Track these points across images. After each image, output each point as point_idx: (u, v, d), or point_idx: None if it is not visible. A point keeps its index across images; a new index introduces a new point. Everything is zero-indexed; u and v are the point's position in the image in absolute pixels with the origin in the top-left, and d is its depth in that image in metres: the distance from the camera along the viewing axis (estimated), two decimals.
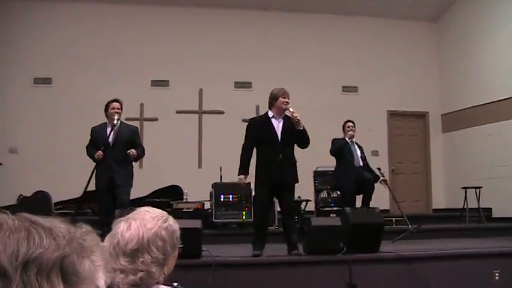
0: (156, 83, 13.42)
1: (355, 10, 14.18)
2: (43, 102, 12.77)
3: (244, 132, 7.77)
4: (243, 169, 7.55)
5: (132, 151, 7.96)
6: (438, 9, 14.58)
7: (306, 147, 7.61)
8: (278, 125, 7.50)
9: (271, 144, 7.38)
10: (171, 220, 2.09)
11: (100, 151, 7.90)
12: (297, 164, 7.63)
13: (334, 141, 10.30)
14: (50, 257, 1.00)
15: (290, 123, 7.41)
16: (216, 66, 13.52)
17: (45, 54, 12.90)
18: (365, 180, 9.80)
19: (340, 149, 10.12)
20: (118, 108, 8.13)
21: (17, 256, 0.97)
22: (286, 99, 7.50)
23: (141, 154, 8.28)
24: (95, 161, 7.97)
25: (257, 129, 7.59)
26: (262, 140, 7.51)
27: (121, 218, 2.02)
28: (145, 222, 1.99)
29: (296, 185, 7.55)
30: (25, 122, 12.65)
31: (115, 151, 7.96)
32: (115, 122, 7.96)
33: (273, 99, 7.61)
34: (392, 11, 14.28)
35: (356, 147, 10.31)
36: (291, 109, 7.36)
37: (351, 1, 13.96)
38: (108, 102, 8.31)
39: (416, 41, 14.70)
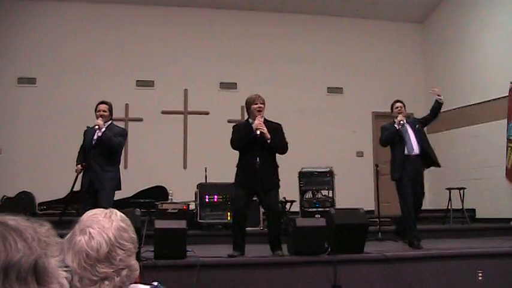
0: (141, 83, 13.39)
1: (341, 11, 14.22)
2: (27, 102, 12.70)
3: (230, 133, 7.73)
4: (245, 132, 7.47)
5: (100, 122, 7.72)
6: (424, 11, 14.66)
7: (285, 153, 7.60)
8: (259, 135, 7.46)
9: (249, 148, 7.38)
10: (117, 211, 2.09)
11: (79, 166, 7.78)
12: (280, 165, 7.61)
13: (383, 129, 8.92)
14: (26, 261, 1.00)
15: (269, 128, 7.39)
16: (201, 66, 13.51)
17: (30, 54, 12.84)
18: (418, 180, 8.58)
19: (391, 138, 8.65)
20: (104, 111, 7.88)
21: None
22: (258, 105, 7.46)
23: (112, 139, 7.74)
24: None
25: (240, 132, 7.59)
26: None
27: (71, 233, 1.99)
28: (102, 224, 1.98)
29: (281, 185, 7.53)
30: (9, 122, 12.56)
31: (96, 153, 7.75)
32: (96, 127, 7.74)
33: (248, 107, 7.63)
34: (378, 13, 14.33)
35: (410, 130, 8.67)
36: (256, 122, 7.33)
37: (337, 2, 14.00)
38: (97, 105, 8.05)
39: (402, 42, 14.77)
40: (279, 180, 7.59)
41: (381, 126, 9.08)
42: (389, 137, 8.67)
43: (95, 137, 7.79)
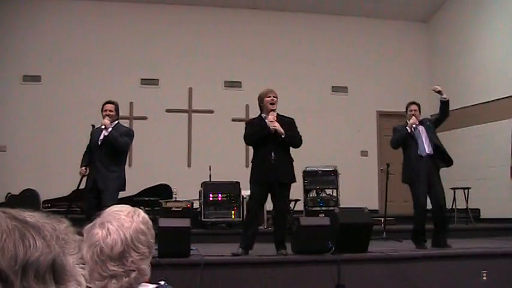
0: (145, 82, 13.39)
1: (346, 10, 14.21)
2: (32, 100, 12.71)
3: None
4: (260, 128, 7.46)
5: (106, 122, 7.73)
6: (428, 10, 14.62)
7: (299, 146, 7.62)
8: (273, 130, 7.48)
9: (264, 143, 7.41)
10: (142, 212, 2.08)
11: (83, 168, 7.80)
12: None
13: (395, 130, 8.81)
14: (44, 259, 0.99)
15: (282, 122, 7.44)
16: (206, 65, 13.50)
17: (35, 52, 12.85)
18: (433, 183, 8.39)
19: (402, 140, 8.53)
20: (110, 111, 7.87)
21: (16, 260, 0.97)
22: (271, 97, 7.50)
23: (118, 139, 7.74)
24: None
25: (253, 128, 7.61)
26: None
27: (92, 225, 1.99)
28: (122, 222, 1.97)
29: None
30: (14, 120, 12.58)
31: (102, 153, 7.74)
32: (102, 126, 7.75)
33: (260, 102, 7.66)
34: (383, 12, 14.31)
35: (422, 130, 8.53)
36: (270, 118, 7.36)
37: (342, 1, 13.99)
38: (103, 104, 8.03)
39: (407, 41, 14.74)
40: (294, 175, 7.63)
41: (393, 127, 8.95)
42: (400, 139, 8.57)
43: (101, 136, 7.79)
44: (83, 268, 1.11)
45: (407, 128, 8.44)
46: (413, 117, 8.50)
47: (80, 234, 1.98)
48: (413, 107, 8.67)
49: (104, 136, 7.77)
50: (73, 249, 1.08)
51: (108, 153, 7.74)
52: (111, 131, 7.76)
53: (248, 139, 7.62)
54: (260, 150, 7.48)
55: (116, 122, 8.00)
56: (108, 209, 2.05)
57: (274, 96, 7.54)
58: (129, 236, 1.96)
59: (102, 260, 1.92)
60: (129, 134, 8.11)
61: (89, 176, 7.79)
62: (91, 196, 7.69)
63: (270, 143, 7.36)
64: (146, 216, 2.08)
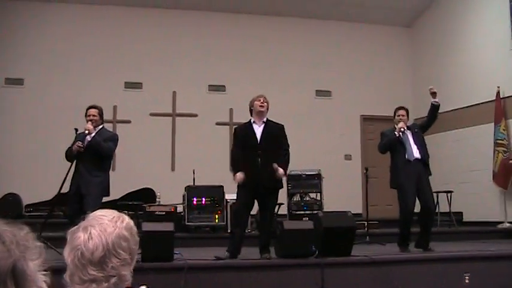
0: (129, 85, 13.35)
1: (330, 14, 14.25)
2: (14, 103, 12.62)
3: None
4: (236, 168, 7.55)
5: (89, 127, 7.64)
6: (412, 15, 14.72)
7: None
8: (258, 129, 7.58)
9: (251, 148, 7.46)
10: (126, 218, 2.07)
11: (79, 142, 7.62)
12: None
13: (382, 135, 8.78)
14: (5, 264, 0.99)
15: (271, 128, 7.54)
16: (190, 69, 13.50)
17: (17, 55, 12.76)
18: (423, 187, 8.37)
19: (389, 144, 8.52)
20: (94, 115, 7.80)
21: None
22: (261, 102, 7.63)
23: (102, 144, 7.67)
24: (72, 158, 7.70)
25: (241, 135, 7.69)
26: (245, 144, 7.58)
27: (76, 228, 1.98)
28: (104, 227, 1.97)
29: None
30: None
31: (85, 158, 7.63)
32: (86, 131, 7.65)
33: (251, 106, 7.76)
34: (367, 16, 14.38)
35: (410, 135, 8.55)
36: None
37: (325, 5, 14.03)
38: (87, 109, 7.94)
39: (390, 46, 14.82)
40: (282, 182, 7.68)
41: (380, 132, 8.90)
42: (387, 143, 8.55)
43: (85, 142, 7.69)
44: (44, 275, 1.11)
45: (396, 132, 8.43)
46: (401, 122, 8.53)
47: (64, 237, 1.98)
48: (402, 112, 8.72)
49: (87, 141, 7.68)
50: (34, 255, 1.08)
51: (91, 159, 7.64)
52: (94, 136, 7.68)
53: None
54: (247, 156, 7.50)
55: (101, 126, 7.94)
56: (93, 213, 2.04)
57: (264, 101, 7.66)
58: (111, 241, 1.95)
59: (82, 264, 1.92)
60: (113, 138, 8.00)
61: (72, 181, 7.67)
62: (74, 201, 7.58)
63: (257, 148, 7.41)
64: (131, 222, 2.07)
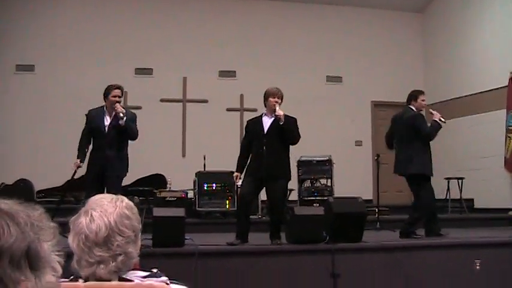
0: (139, 71, 13.34)
1: (341, 0, 14.17)
2: (25, 89, 12.66)
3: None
4: (238, 168, 7.78)
5: (122, 110, 7.43)
6: (424, 0, 14.60)
7: (294, 143, 7.71)
8: (268, 121, 7.63)
9: (258, 138, 7.55)
10: (125, 198, 2.09)
11: (78, 161, 7.55)
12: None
13: (425, 121, 8.45)
14: (19, 246, 0.99)
15: (286, 121, 7.52)
16: (200, 54, 13.46)
17: (28, 41, 12.77)
18: None
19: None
20: (119, 96, 7.59)
21: None
22: (276, 99, 7.56)
23: (132, 127, 7.62)
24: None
25: (251, 128, 7.82)
26: (253, 135, 7.68)
27: (77, 215, 2.00)
28: (105, 208, 1.99)
29: None
30: (7, 110, 12.53)
31: (111, 139, 7.52)
32: (120, 114, 7.38)
33: (265, 98, 7.74)
34: (378, 2, 14.30)
35: None
36: (277, 108, 7.46)
37: None
38: (109, 88, 7.63)
39: (402, 31, 14.72)
40: (290, 172, 7.67)
41: (416, 115, 8.41)
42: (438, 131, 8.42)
43: (106, 123, 7.56)
44: (58, 255, 1.11)
45: (440, 120, 8.28)
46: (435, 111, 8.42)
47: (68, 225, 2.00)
48: (425, 97, 8.63)
49: (118, 124, 7.47)
50: (48, 236, 1.08)
51: (116, 139, 7.57)
52: (126, 120, 7.48)
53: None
54: (254, 146, 7.60)
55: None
56: (91, 198, 2.06)
57: (279, 98, 7.59)
58: (113, 220, 1.97)
59: (88, 247, 1.94)
60: (134, 119, 7.81)
61: (93, 162, 7.58)
62: (95, 183, 7.44)
63: (263, 138, 7.46)
64: (130, 202, 2.09)
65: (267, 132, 7.53)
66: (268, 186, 7.52)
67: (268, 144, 7.42)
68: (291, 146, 7.75)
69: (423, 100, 8.52)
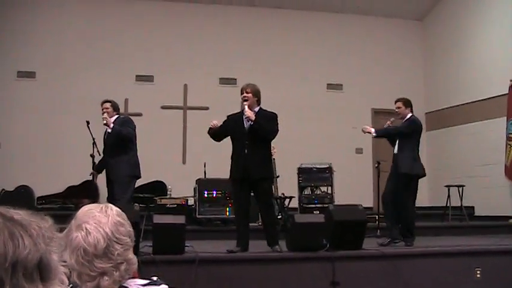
0: (140, 78, 13.36)
1: (341, 8, 14.21)
2: (26, 96, 12.67)
3: None
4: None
5: (106, 117, 8.24)
6: (424, 8, 14.64)
7: (271, 138, 7.62)
8: (247, 120, 7.45)
9: (238, 139, 7.48)
10: (111, 205, 2.09)
11: (94, 171, 8.58)
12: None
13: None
14: (32, 258, 1.00)
15: (261, 118, 7.40)
16: (201, 62, 13.48)
17: (29, 48, 12.79)
18: None
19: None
20: (107, 108, 8.43)
21: (6, 258, 0.97)
22: (243, 95, 7.51)
23: (121, 131, 8.29)
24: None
25: (230, 122, 7.70)
26: (233, 134, 7.59)
27: (67, 230, 1.98)
28: (98, 219, 1.98)
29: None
30: (8, 116, 12.53)
31: (108, 146, 8.42)
32: (104, 123, 8.28)
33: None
34: (379, 9, 14.32)
35: None
36: (245, 108, 7.36)
37: None
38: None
39: (402, 39, 14.75)
40: (272, 171, 7.60)
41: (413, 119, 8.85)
42: None
43: (105, 134, 8.50)
44: (64, 266, 1.12)
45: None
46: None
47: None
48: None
49: (108, 133, 8.40)
50: (56, 247, 1.09)
51: (113, 146, 8.32)
52: (113, 126, 8.28)
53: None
54: (235, 146, 7.53)
55: (116, 117, 8.49)
56: (79, 212, 2.04)
57: (247, 93, 7.51)
58: (109, 230, 1.96)
59: (88, 261, 1.92)
60: (128, 121, 8.63)
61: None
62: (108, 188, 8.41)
63: (244, 138, 7.39)
64: (118, 209, 2.09)
65: (248, 132, 7.39)
66: (255, 188, 7.44)
67: (249, 145, 7.33)
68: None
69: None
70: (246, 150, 7.32)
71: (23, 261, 0.99)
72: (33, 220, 1.06)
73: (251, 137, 7.37)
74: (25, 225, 1.03)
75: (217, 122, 7.57)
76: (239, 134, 7.45)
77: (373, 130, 8.70)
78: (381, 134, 8.81)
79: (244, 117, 7.38)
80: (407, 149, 8.52)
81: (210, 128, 7.60)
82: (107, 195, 8.52)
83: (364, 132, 8.85)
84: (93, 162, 8.57)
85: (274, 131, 7.51)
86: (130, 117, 8.97)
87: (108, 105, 8.47)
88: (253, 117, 7.27)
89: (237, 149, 7.47)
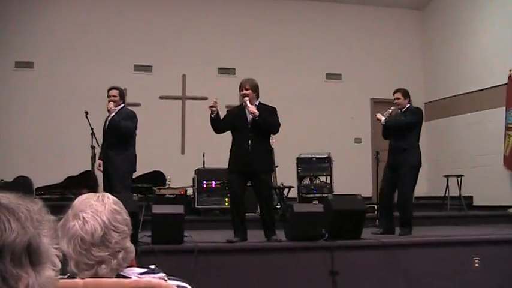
0: (139, 68, 13.33)
1: None
2: (25, 86, 12.63)
3: None
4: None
5: (110, 106, 8.08)
6: None
7: (275, 132, 7.69)
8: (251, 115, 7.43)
9: (241, 131, 7.44)
10: (107, 194, 2.09)
11: (100, 161, 8.21)
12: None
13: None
14: (20, 242, 0.99)
15: (262, 112, 7.38)
16: (200, 52, 13.45)
17: (27, 38, 12.75)
18: None
19: None
20: (114, 96, 8.19)
21: None
22: (243, 92, 7.50)
23: (121, 123, 8.07)
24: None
25: (231, 116, 7.74)
26: (234, 127, 7.56)
27: (64, 220, 1.97)
28: (95, 208, 1.97)
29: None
30: (6, 106, 12.51)
31: (108, 137, 8.13)
32: (111, 110, 8.11)
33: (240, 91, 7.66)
34: None
35: None
36: (248, 104, 7.35)
37: None
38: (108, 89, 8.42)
39: (401, 29, 14.71)
40: (273, 164, 7.62)
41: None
42: None
43: (107, 124, 8.19)
44: (56, 249, 1.11)
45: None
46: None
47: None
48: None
49: (108, 121, 8.13)
50: (47, 230, 1.08)
51: (113, 138, 8.07)
52: (113, 116, 8.08)
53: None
54: (237, 140, 7.51)
55: (121, 106, 8.28)
56: (75, 201, 2.03)
57: (247, 90, 7.50)
58: (106, 218, 1.96)
59: (85, 249, 1.92)
60: (131, 116, 8.30)
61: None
62: (104, 180, 8.20)
63: (247, 131, 7.37)
64: (115, 197, 2.08)
65: (251, 125, 7.38)
66: (255, 181, 7.45)
67: (253, 138, 7.32)
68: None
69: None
70: (249, 144, 7.30)
71: (10, 245, 0.97)
72: (21, 203, 1.05)
73: (254, 131, 7.36)
74: (12, 209, 1.02)
75: (217, 100, 7.54)
76: (241, 128, 7.43)
77: (383, 118, 8.62)
78: (390, 124, 8.68)
79: (248, 112, 7.37)
80: (414, 140, 8.49)
81: (212, 119, 7.55)
82: (103, 186, 8.41)
83: (377, 119, 8.80)
84: (94, 154, 8.34)
85: (277, 125, 7.56)
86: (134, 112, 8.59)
87: (115, 92, 8.24)
88: (257, 112, 7.26)
89: (239, 142, 7.43)
